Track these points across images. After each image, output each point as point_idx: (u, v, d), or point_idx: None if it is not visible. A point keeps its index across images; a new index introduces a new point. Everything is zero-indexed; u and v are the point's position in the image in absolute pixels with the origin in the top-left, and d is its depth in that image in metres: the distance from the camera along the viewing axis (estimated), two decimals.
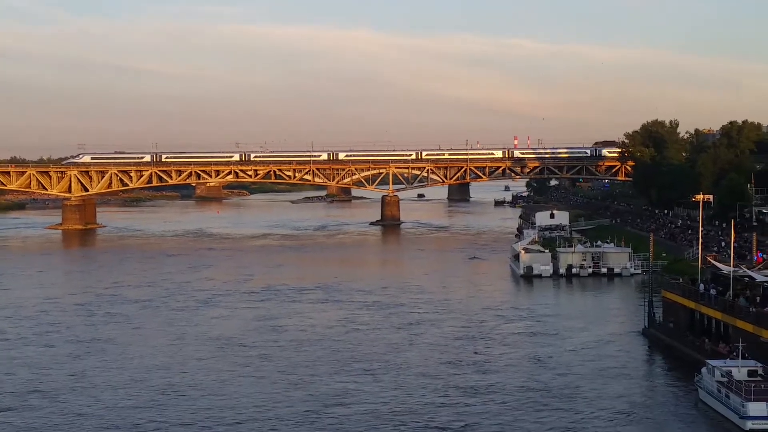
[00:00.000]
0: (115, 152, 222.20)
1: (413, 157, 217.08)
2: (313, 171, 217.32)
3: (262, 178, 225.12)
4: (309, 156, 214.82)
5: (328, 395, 52.43)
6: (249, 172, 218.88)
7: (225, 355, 64.30)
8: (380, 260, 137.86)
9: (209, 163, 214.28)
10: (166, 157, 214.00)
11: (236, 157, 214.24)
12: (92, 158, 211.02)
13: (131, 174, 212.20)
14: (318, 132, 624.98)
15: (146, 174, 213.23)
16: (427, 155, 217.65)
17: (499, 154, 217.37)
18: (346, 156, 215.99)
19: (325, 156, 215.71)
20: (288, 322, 77.75)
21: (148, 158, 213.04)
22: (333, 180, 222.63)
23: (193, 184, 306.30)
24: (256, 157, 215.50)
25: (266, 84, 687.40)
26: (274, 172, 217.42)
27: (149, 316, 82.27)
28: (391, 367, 59.33)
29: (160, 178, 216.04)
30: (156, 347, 67.59)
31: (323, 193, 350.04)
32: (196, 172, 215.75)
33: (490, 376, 56.57)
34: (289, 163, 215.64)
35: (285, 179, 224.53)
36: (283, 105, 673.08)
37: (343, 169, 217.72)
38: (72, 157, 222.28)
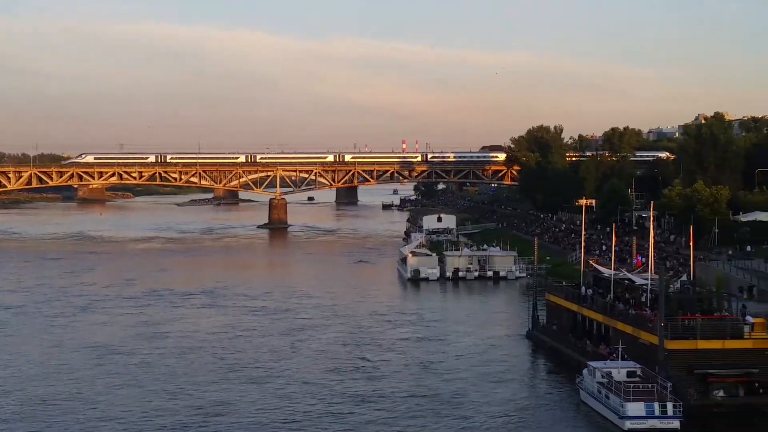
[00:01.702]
0: (120, 152, 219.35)
1: (335, 159, 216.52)
2: (199, 173, 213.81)
3: (147, 180, 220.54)
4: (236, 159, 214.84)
5: (210, 405, 50.96)
6: (133, 174, 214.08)
7: (103, 364, 62.01)
8: (267, 264, 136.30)
9: (92, 165, 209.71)
10: (171, 158, 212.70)
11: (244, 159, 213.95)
12: None
13: (9, 175, 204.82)
14: (207, 133, 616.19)
15: (25, 175, 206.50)
16: (315, 158, 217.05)
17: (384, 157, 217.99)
18: (223, 158, 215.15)
19: (244, 157, 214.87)
20: (171, 329, 75.73)
21: (153, 158, 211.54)
22: (220, 183, 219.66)
23: (75, 186, 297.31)
24: (172, 157, 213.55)
25: (157, 83, 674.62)
26: (160, 174, 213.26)
27: (23, 323, 78.81)
28: (276, 375, 58.18)
29: (40, 180, 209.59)
30: (30, 356, 64.70)
31: (210, 195, 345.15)
32: (77, 173, 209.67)
33: (378, 383, 56.00)
34: (175, 165, 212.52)
35: (171, 181, 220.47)
36: (172, 106, 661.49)
37: (231, 172, 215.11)
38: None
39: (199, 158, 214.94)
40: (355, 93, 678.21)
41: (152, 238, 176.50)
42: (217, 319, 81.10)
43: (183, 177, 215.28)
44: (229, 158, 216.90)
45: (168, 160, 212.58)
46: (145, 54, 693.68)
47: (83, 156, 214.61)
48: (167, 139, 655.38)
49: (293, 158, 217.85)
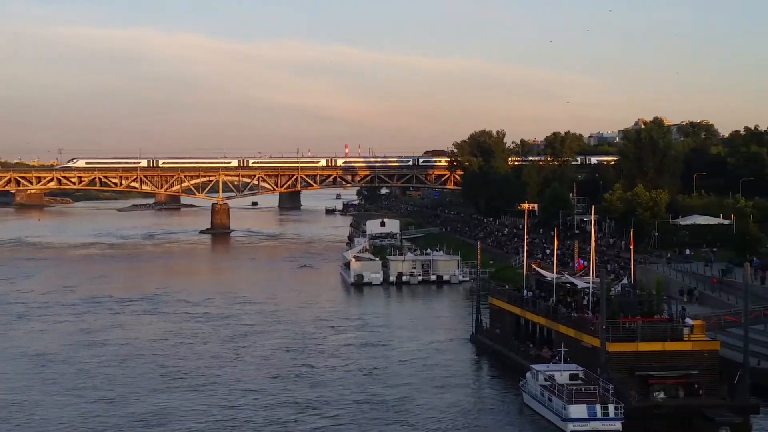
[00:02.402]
0: (112, 157, 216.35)
1: (239, 164, 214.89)
2: (140, 178, 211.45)
3: (87, 185, 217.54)
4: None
5: (151, 414, 50.08)
6: (72, 179, 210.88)
7: (41, 373, 60.66)
8: (209, 270, 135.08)
9: (31, 169, 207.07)
10: (163, 162, 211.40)
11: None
12: None
13: None
14: (144, 138, 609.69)
15: (3, 180, 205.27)
16: (254, 163, 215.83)
17: (323, 162, 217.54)
18: (164, 163, 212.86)
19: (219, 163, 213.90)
20: (110, 336, 74.51)
21: (144, 163, 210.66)
22: (161, 188, 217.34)
23: (13, 192, 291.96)
24: (164, 163, 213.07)
25: (88, 88, 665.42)
26: (100, 179, 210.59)
27: None
28: (218, 383, 57.37)
29: (18, 183, 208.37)
30: None
31: (151, 200, 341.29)
32: (15, 178, 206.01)
33: (321, 389, 55.53)
34: (115, 170, 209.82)
35: (111, 186, 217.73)
36: (105, 110, 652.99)
37: (172, 177, 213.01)
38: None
39: (191, 163, 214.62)
40: (298, 98, 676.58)
41: (92, 244, 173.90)
42: (158, 325, 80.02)
43: (124, 182, 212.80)
44: (221, 162, 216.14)
45: (160, 165, 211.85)
46: (83, 58, 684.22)
47: (74, 161, 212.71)
48: (107, 144, 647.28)
49: (195, 163, 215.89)
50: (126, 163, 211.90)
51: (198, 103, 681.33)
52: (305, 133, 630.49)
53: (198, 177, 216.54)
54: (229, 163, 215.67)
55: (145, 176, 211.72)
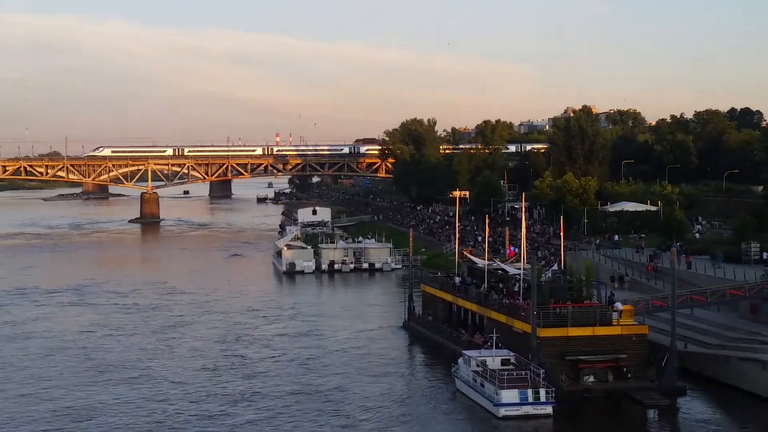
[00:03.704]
0: (138, 145, 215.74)
1: (172, 153, 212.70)
2: (67, 167, 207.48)
3: (12, 174, 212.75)
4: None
5: (79, 408, 48.94)
6: None
7: None
8: (138, 259, 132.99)
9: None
10: (189, 151, 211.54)
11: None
12: None
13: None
14: (73, 128, 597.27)
15: (11, 168, 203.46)
16: (189, 152, 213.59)
17: (259, 151, 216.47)
18: (190, 152, 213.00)
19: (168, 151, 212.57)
20: (35, 328, 72.83)
21: (170, 151, 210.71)
22: (89, 177, 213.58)
23: None
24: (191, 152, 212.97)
25: (15, 78, 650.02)
26: (25, 168, 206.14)
27: None
28: (148, 375, 56.30)
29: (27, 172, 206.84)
30: None
31: (79, 190, 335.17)
32: None
33: (255, 381, 54.76)
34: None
35: (36, 176, 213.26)
36: (33, 100, 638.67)
37: (100, 166, 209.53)
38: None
39: (221, 151, 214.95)
40: (229, 87, 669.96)
41: (17, 235, 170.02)
42: (86, 317, 78.47)
43: (50, 171, 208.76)
44: (247, 150, 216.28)
45: (186, 153, 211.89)
46: (9, 46, 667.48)
47: (100, 149, 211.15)
48: (35, 135, 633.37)
49: (127, 152, 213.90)
50: (152, 151, 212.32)
51: (128, 93, 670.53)
52: (236, 123, 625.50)
53: (127, 166, 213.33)
54: (164, 151, 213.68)
55: (72, 165, 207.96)
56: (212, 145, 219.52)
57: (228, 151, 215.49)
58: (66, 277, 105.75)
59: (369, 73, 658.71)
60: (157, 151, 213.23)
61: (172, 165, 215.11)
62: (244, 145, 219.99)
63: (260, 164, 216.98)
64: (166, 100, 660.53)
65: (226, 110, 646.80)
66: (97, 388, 53.39)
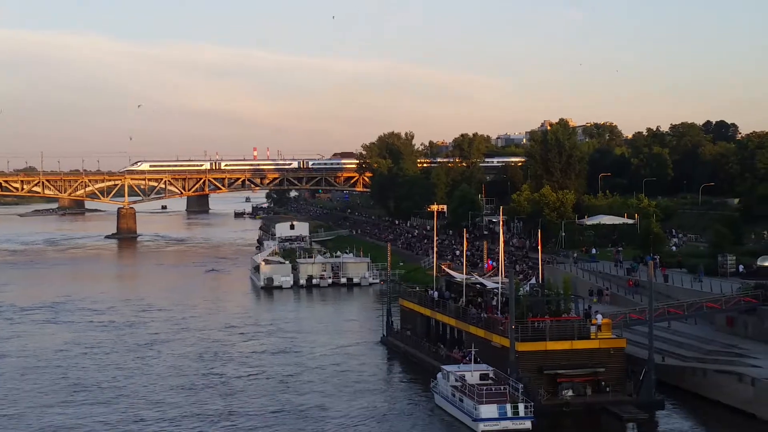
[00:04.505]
0: (175, 160, 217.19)
1: (209, 167, 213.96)
2: (42, 183, 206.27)
3: None
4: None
5: (53, 429, 48.41)
6: None
7: None
8: (114, 276, 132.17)
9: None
10: (226, 165, 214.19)
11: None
12: None
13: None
14: (48, 142, 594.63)
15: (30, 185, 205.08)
16: (225, 166, 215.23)
17: (295, 164, 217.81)
18: (227, 165, 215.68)
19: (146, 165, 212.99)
20: (10, 347, 71.98)
21: (207, 165, 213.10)
22: (65, 192, 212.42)
23: None
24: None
25: None
26: (0, 183, 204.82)
27: None
28: (125, 395, 55.54)
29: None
30: None
31: (55, 205, 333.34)
32: None
33: (233, 399, 54.20)
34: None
35: (12, 191, 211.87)
36: (8, 114, 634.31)
37: (76, 181, 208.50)
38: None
39: (260, 165, 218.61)
40: (206, 101, 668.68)
41: None
42: (62, 335, 77.70)
43: (25, 186, 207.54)
44: (283, 164, 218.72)
45: (223, 167, 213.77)
46: None
47: (139, 164, 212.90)
48: (10, 150, 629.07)
49: (166, 167, 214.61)
50: (190, 165, 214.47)
51: (104, 107, 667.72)
52: (213, 137, 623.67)
53: (103, 181, 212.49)
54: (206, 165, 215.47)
55: (48, 180, 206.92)
56: (243, 159, 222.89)
57: (258, 164, 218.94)
58: (41, 294, 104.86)
59: (347, 86, 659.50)
60: (194, 165, 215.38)
61: (149, 180, 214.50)
62: (282, 159, 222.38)
63: (237, 178, 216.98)
64: (143, 113, 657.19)
65: (203, 123, 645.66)
66: (73, 408, 52.68)
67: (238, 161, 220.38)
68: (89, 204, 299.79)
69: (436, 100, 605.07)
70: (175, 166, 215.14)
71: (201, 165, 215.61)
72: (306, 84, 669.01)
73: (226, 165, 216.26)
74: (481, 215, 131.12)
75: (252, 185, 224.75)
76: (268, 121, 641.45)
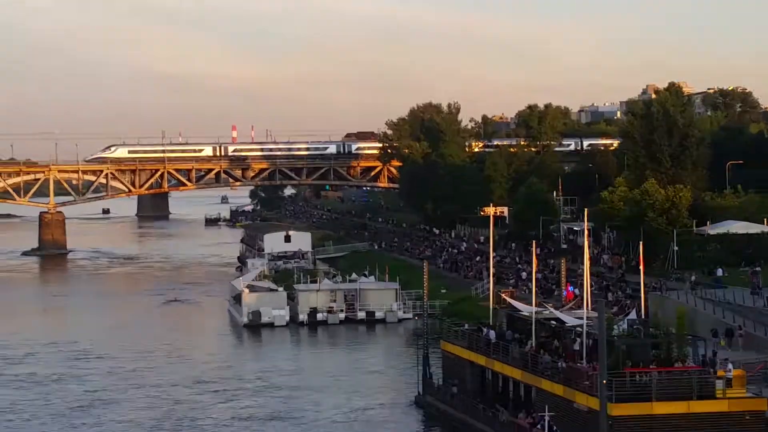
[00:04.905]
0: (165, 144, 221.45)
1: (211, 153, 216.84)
2: None
3: None
4: None
5: None
6: None
7: None
8: (35, 309, 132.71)
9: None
10: (235, 150, 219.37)
11: None
12: None
13: None
14: None
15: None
16: (234, 151, 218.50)
17: (209, 150, 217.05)
18: (235, 151, 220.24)
19: None
20: None
21: (209, 151, 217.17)
22: None
23: None
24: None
25: None
26: None
27: None
28: None
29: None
30: None
31: None
32: None
33: None
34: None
35: None
36: None
37: None
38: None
39: (278, 148, 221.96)
40: (166, 60, 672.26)
41: None
42: None
43: None
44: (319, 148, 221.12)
45: (230, 153, 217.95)
46: None
47: (113, 149, 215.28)
48: None
49: (149, 152, 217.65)
50: (185, 151, 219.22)
51: (23, 67, 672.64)
52: (176, 109, 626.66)
53: (19, 174, 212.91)
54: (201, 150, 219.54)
55: None
56: (273, 142, 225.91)
57: (290, 146, 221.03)
58: None
59: (364, 38, 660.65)
60: (189, 151, 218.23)
61: (84, 173, 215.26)
62: (273, 142, 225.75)
63: (210, 170, 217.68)
64: (73, 74, 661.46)
65: (162, 91, 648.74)
66: None
67: (257, 145, 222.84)
68: None
69: (493, 58, 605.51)
70: (165, 152, 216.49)
71: (200, 150, 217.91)
72: (307, 35, 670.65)
73: (236, 150, 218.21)
74: (558, 221, 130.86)
75: (230, 179, 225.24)
76: (251, 87, 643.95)
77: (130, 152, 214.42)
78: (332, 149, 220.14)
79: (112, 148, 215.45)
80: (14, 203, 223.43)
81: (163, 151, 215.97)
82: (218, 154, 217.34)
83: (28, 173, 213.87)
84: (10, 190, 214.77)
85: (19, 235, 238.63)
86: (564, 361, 59.09)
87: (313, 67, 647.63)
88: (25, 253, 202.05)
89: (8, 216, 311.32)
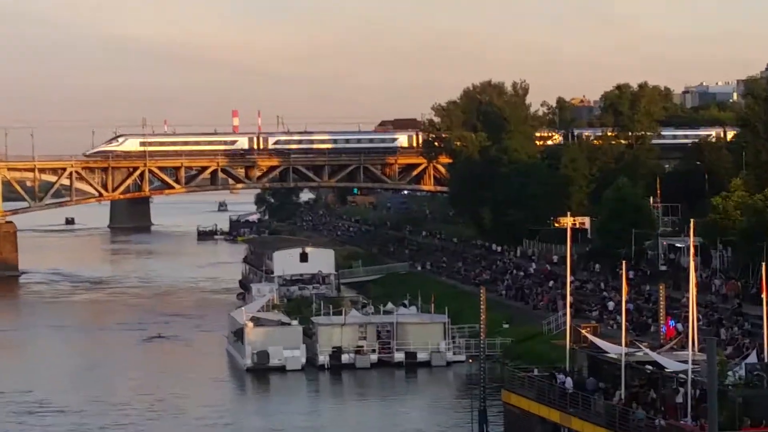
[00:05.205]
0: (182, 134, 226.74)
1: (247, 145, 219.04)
2: None
3: None
4: None
5: None
6: None
7: None
8: None
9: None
10: (274, 142, 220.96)
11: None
12: None
13: None
14: None
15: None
16: (275, 144, 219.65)
17: (244, 142, 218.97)
18: (275, 144, 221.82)
19: None
20: None
21: (244, 142, 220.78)
22: None
23: None
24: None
25: None
26: None
27: None
28: None
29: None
30: None
31: None
32: None
33: None
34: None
35: None
36: None
37: None
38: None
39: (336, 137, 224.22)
40: (155, 28, 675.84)
41: None
42: None
43: None
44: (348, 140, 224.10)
45: (271, 146, 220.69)
46: None
47: (121, 140, 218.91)
48: None
49: (167, 142, 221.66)
50: (213, 142, 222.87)
51: None
52: (158, 90, 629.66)
53: None
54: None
55: None
56: (313, 132, 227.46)
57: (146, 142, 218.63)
58: None
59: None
60: (218, 142, 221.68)
61: (42, 171, 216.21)
62: (286, 132, 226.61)
63: (205, 168, 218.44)
64: (30, 46, 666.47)
65: (142, 66, 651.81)
66: None
67: (305, 136, 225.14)
68: None
69: (570, 25, 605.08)
70: (187, 143, 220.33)
71: (234, 142, 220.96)
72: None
73: (278, 142, 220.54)
74: (655, 236, 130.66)
75: (230, 180, 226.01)
76: (257, 62, 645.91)
77: (141, 144, 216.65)
78: (361, 141, 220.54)
79: (120, 139, 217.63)
80: None
81: (185, 143, 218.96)
82: (257, 146, 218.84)
83: None
84: None
85: None
86: (663, 418, 59.11)
87: (336, 37, 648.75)
88: None
89: None
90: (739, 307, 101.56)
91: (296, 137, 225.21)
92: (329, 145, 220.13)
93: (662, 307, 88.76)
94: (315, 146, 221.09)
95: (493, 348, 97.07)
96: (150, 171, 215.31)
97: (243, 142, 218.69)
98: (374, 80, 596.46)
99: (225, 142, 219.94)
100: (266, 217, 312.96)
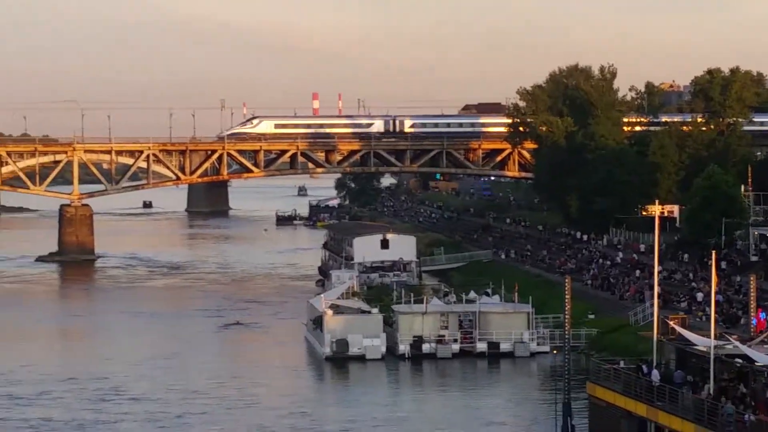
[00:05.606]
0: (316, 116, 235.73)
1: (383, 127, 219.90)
2: None
3: None
4: None
5: None
6: None
7: None
8: (53, 333, 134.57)
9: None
10: (411, 126, 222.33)
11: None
12: None
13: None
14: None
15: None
16: (411, 127, 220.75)
17: (379, 124, 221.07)
18: (411, 128, 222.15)
19: None
20: None
21: (380, 125, 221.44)
22: None
23: None
24: None
25: None
26: None
27: None
28: None
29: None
30: None
31: None
32: None
33: None
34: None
35: None
36: None
37: None
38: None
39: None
40: (223, 11, 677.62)
41: None
42: None
43: None
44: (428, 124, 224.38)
45: (407, 130, 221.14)
46: None
47: (255, 122, 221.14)
48: None
49: (300, 124, 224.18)
50: (345, 125, 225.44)
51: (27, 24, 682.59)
52: (237, 73, 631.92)
53: (35, 154, 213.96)
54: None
55: None
56: (440, 115, 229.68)
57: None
58: None
59: None
60: (346, 124, 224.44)
61: (118, 154, 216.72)
62: (367, 116, 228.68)
63: (284, 151, 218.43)
64: (101, 30, 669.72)
65: (219, 50, 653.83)
66: None
67: (438, 120, 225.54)
68: (7, 196, 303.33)
69: (658, 7, 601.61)
70: (322, 126, 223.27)
71: (369, 125, 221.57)
72: None
73: (415, 125, 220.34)
74: (746, 225, 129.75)
75: (310, 164, 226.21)
76: (338, 47, 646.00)
77: (276, 126, 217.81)
78: (445, 125, 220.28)
79: (254, 121, 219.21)
80: (27, 193, 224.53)
81: (321, 125, 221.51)
82: (392, 129, 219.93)
83: (45, 153, 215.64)
84: (22, 176, 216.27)
85: (33, 234, 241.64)
86: (753, 413, 58.68)
87: (417, 19, 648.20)
88: (40, 259, 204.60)
89: (20, 209, 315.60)
90: None
91: (432, 120, 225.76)
92: (473, 129, 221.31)
93: (753, 298, 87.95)
94: (463, 129, 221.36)
95: (577, 339, 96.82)
96: (228, 154, 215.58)
97: (378, 125, 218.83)
98: (457, 64, 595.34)
99: (360, 125, 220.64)
100: (346, 202, 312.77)
